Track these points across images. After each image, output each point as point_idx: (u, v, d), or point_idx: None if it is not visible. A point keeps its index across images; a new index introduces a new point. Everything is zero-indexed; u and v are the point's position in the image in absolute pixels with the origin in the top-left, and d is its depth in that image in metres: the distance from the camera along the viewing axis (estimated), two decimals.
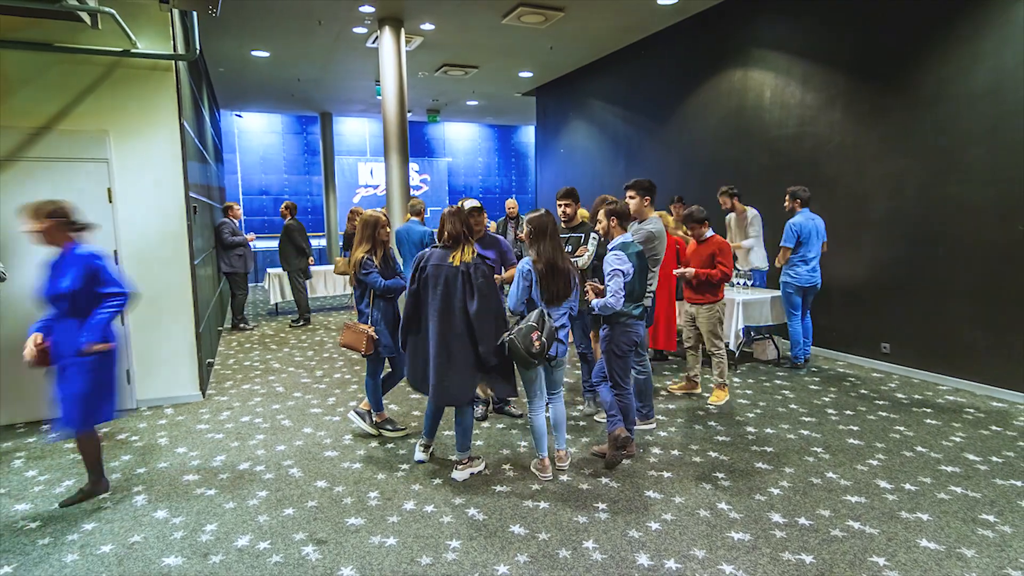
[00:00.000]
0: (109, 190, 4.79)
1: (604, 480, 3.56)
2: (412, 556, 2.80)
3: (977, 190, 5.07)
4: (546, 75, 11.36)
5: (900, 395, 5.11)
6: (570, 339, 3.94)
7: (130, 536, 3.02)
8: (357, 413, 4.33)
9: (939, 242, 5.37)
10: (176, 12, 5.05)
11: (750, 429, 4.37)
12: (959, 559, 2.73)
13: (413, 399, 5.17)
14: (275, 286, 9.40)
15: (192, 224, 5.25)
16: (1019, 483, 3.46)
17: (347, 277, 9.10)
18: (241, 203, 14.94)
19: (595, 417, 4.62)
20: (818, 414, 4.66)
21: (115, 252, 4.83)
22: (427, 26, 8.24)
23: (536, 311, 3.40)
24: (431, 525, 3.08)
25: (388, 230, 4.18)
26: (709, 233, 4.90)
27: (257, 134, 15.36)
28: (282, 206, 8.73)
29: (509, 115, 16.06)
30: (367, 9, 7.55)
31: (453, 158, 17.69)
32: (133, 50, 4.69)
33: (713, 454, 3.93)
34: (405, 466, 3.80)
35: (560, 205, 4.59)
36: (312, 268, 9.72)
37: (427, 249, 3.57)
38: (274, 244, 8.92)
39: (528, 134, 18.14)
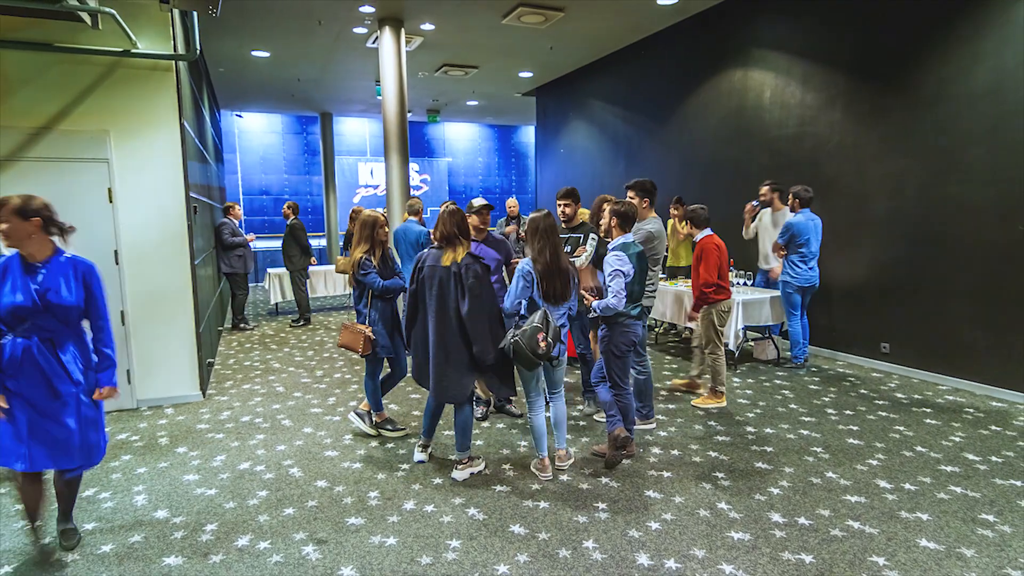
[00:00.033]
0: (109, 190, 4.79)
1: (604, 480, 3.56)
2: (412, 556, 2.81)
3: (977, 190, 5.07)
4: (546, 75, 11.36)
5: (900, 395, 5.12)
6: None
7: (130, 536, 3.03)
8: (357, 414, 4.33)
9: (939, 242, 5.37)
10: (176, 12, 5.06)
11: (750, 429, 4.37)
12: (959, 559, 2.73)
13: (413, 399, 5.17)
14: (275, 286, 9.40)
15: (192, 224, 5.26)
16: (1019, 483, 3.46)
17: (347, 277, 9.12)
18: (241, 203, 14.94)
19: (595, 416, 4.62)
20: (818, 414, 4.66)
21: (115, 252, 4.83)
22: (427, 26, 8.24)
23: (539, 312, 3.40)
24: (431, 525, 3.08)
25: (387, 230, 4.18)
26: (701, 235, 4.80)
27: (257, 134, 15.37)
28: (285, 206, 8.71)
29: (509, 115, 16.07)
30: (367, 9, 7.55)
31: (453, 158, 17.69)
32: (133, 50, 4.69)
33: (713, 454, 3.93)
34: (405, 466, 3.80)
35: (560, 205, 4.60)
36: (312, 268, 9.73)
37: (426, 250, 3.60)
38: (275, 244, 8.91)
39: (528, 134, 18.14)
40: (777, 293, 5.96)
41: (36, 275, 2.65)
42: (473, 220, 4.14)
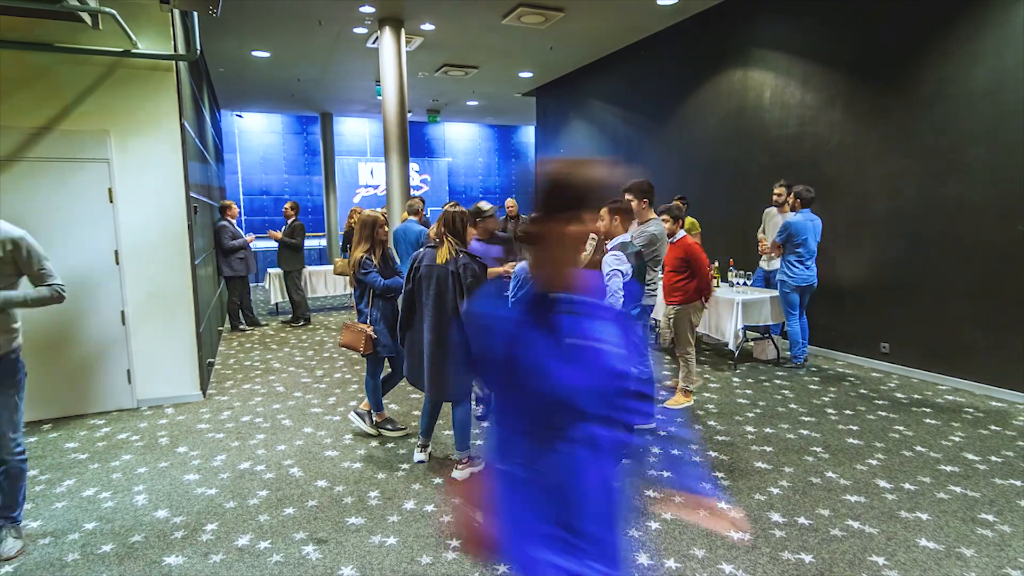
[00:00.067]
0: (110, 190, 4.79)
1: None
2: (412, 555, 2.81)
3: (977, 190, 5.08)
4: (546, 75, 11.36)
5: (899, 395, 5.12)
6: None
7: (131, 535, 3.03)
8: (357, 414, 4.34)
9: (939, 242, 5.37)
10: (177, 12, 5.06)
11: (750, 429, 4.37)
12: (958, 558, 2.73)
13: (413, 399, 5.17)
14: (275, 286, 9.38)
15: (193, 224, 5.26)
16: (1018, 482, 3.46)
17: (347, 276, 9.09)
18: (242, 203, 14.94)
19: None
20: (817, 414, 4.66)
21: (116, 252, 4.83)
22: (427, 26, 8.24)
23: None
24: (431, 524, 3.08)
25: (387, 229, 4.19)
26: (681, 234, 4.76)
27: (257, 134, 15.37)
28: (287, 205, 8.55)
29: (509, 115, 16.07)
30: (367, 9, 7.55)
31: (453, 158, 17.69)
32: (134, 50, 4.69)
33: (713, 454, 3.94)
34: (405, 466, 3.81)
35: None
36: (312, 268, 9.71)
37: (421, 249, 3.61)
38: (274, 245, 8.87)
39: (528, 134, 18.14)
40: (777, 293, 5.97)
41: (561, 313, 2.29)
42: (489, 224, 4.33)
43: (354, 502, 3.33)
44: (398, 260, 4.97)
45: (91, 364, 4.82)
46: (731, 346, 5.75)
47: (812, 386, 5.40)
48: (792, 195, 5.96)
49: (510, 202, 8.32)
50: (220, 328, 8.04)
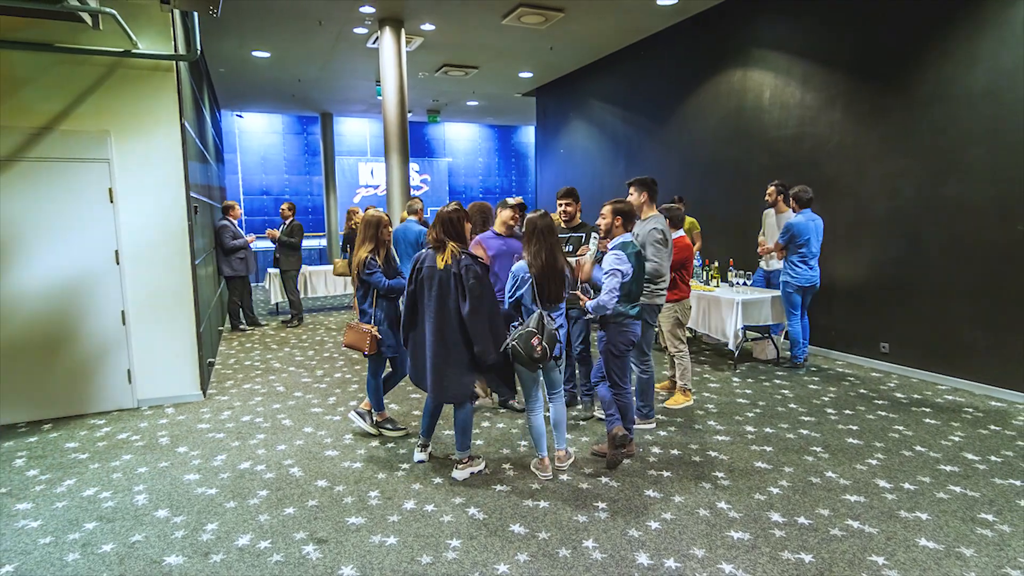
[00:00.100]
0: (110, 190, 4.80)
1: (604, 479, 3.57)
2: (412, 555, 2.81)
3: (977, 190, 5.08)
4: (546, 75, 11.37)
5: (899, 395, 5.12)
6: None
7: (131, 535, 3.03)
8: (358, 413, 4.34)
9: (939, 242, 5.37)
10: (177, 13, 5.07)
11: (750, 428, 4.38)
12: (958, 558, 2.73)
13: (413, 399, 5.18)
14: (275, 286, 9.39)
15: (193, 224, 5.26)
16: (1018, 482, 3.46)
17: (347, 277, 9.09)
18: (242, 203, 14.95)
19: (595, 413, 4.62)
20: (817, 414, 4.67)
21: (116, 252, 4.84)
22: (427, 26, 8.25)
23: (535, 315, 3.40)
24: (431, 524, 3.09)
25: (390, 229, 4.20)
26: (679, 233, 4.81)
27: (258, 134, 15.38)
28: (284, 206, 8.56)
29: (509, 115, 16.08)
30: (367, 9, 7.56)
31: (453, 158, 17.70)
32: (134, 50, 4.70)
33: (713, 453, 3.94)
34: (405, 465, 3.81)
35: (560, 204, 4.60)
36: (312, 268, 9.72)
37: (424, 250, 3.60)
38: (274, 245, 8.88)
39: (528, 134, 18.15)
40: (777, 293, 5.97)
41: None
42: (506, 215, 4.33)
43: (354, 502, 3.33)
44: (398, 260, 4.98)
45: (91, 364, 4.82)
46: (731, 346, 5.75)
47: (812, 386, 5.40)
48: (781, 196, 6.00)
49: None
50: (220, 328, 8.05)
